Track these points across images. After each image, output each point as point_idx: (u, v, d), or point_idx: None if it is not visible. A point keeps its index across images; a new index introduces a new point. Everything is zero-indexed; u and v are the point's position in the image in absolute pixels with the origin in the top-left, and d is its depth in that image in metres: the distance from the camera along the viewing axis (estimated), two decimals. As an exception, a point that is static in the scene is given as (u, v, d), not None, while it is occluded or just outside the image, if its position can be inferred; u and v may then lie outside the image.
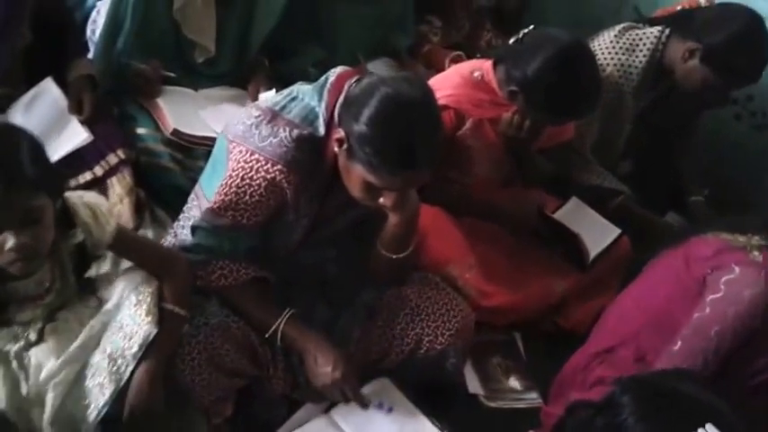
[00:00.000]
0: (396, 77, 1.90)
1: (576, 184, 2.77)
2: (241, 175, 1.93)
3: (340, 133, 1.86)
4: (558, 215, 2.59)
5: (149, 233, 2.51)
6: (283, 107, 1.97)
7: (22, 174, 1.59)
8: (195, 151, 2.64)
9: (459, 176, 2.59)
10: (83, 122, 2.48)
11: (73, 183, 2.43)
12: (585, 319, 2.46)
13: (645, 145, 3.06)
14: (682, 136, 3.09)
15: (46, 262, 1.81)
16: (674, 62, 2.82)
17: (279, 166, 1.91)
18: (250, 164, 1.93)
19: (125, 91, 2.74)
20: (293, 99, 1.98)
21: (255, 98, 2.82)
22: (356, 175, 1.87)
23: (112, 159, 2.47)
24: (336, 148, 1.88)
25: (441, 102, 2.35)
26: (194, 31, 2.74)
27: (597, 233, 2.58)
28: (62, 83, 2.55)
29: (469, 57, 3.49)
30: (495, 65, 2.46)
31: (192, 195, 2.18)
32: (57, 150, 2.42)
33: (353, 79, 1.93)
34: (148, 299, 1.88)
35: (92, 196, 1.92)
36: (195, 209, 2.10)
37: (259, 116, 1.95)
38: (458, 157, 2.52)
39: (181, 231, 2.12)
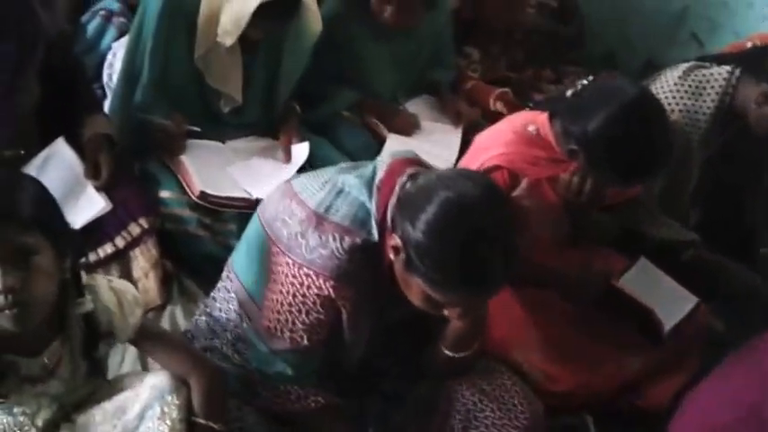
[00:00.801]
0: (456, 175, 1.64)
1: (644, 239, 2.50)
2: (292, 292, 1.70)
3: (395, 240, 1.60)
4: (625, 279, 2.34)
5: (178, 310, 2.28)
6: (329, 207, 1.71)
7: (15, 208, 1.46)
8: (225, 214, 2.39)
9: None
10: (100, 188, 2.24)
11: (93, 257, 2.20)
12: (665, 398, 2.20)
13: (713, 192, 2.80)
14: (753, 182, 2.82)
15: (55, 339, 1.60)
16: (746, 106, 2.57)
17: (332, 282, 1.66)
18: (300, 279, 1.69)
19: (146, 148, 2.52)
20: (339, 194, 1.73)
21: (289, 152, 2.61)
22: (416, 287, 1.62)
23: (135, 230, 2.24)
24: (392, 256, 1.63)
25: (492, 161, 2.14)
26: (219, 79, 2.50)
27: (671, 301, 2.32)
28: (76, 142, 2.31)
29: (516, 92, 3.27)
30: (551, 118, 2.20)
31: (225, 274, 1.96)
32: (72, 221, 2.17)
33: (406, 175, 1.67)
34: (174, 412, 1.64)
35: (120, 283, 1.72)
36: (229, 291, 1.90)
37: (303, 222, 1.71)
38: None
39: (214, 306, 1.93)
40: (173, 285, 2.33)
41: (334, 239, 1.65)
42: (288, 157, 2.58)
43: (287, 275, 1.70)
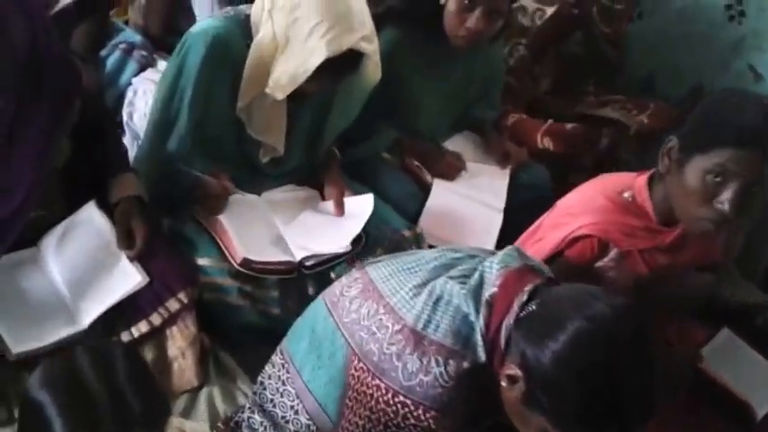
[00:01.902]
0: (587, 295, 1.41)
1: (723, 304, 2.29)
2: (384, 421, 1.49)
3: (513, 370, 1.39)
4: (707, 353, 2.12)
5: (216, 391, 2.07)
6: (428, 322, 1.49)
7: (129, 410, 1.22)
8: (266, 280, 2.18)
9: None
10: (134, 258, 2.02)
11: (125, 336, 1.97)
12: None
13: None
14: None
15: None
16: None
17: (433, 413, 1.45)
18: (394, 407, 1.47)
19: (177, 204, 2.30)
20: (437, 303, 1.50)
21: (341, 205, 2.39)
22: (536, 424, 1.40)
23: (173, 305, 2.02)
24: (504, 384, 1.41)
25: (582, 230, 1.94)
26: (261, 130, 2.28)
27: (761, 380, 2.11)
28: (103, 203, 2.10)
29: (559, 119, 3.07)
30: (650, 182, 1.98)
31: (278, 360, 1.78)
32: (105, 298, 1.98)
33: (526, 292, 1.45)
34: None
35: (193, 426, 1.46)
36: (285, 384, 1.72)
37: (400, 340, 1.48)
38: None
39: (266, 397, 1.75)
40: (209, 361, 2.11)
41: (438, 363, 1.44)
42: (340, 211, 2.36)
43: (377, 401, 1.48)
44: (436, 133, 2.90)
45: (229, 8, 2.30)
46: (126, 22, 3.20)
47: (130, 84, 2.80)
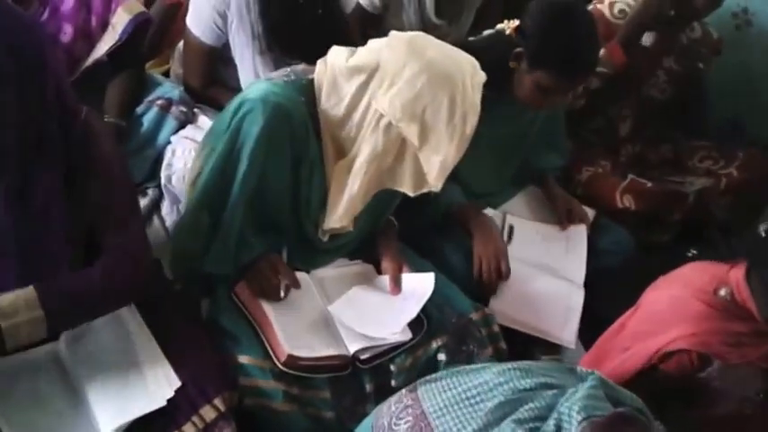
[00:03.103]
0: None
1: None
2: None
3: None
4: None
5: None
6: None
7: None
8: (316, 379, 1.90)
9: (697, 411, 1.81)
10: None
11: (155, 449, 1.70)
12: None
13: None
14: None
15: None
16: None
17: None
18: None
19: (221, 287, 2.04)
20: None
21: (397, 282, 2.13)
22: None
23: (209, 414, 1.75)
24: None
25: (678, 344, 1.68)
26: (336, 223, 2.07)
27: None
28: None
29: (640, 168, 2.79)
30: (748, 274, 1.66)
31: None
32: (129, 408, 1.72)
33: None
34: None
35: None
36: None
37: None
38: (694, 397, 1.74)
39: None
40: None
41: None
42: (397, 289, 2.10)
43: None
44: (494, 192, 2.61)
45: (288, 69, 2.06)
46: (166, 73, 2.98)
47: (169, 142, 2.55)
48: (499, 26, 2.37)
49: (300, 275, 2.09)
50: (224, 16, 2.50)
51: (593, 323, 2.21)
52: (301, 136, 1.99)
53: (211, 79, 2.70)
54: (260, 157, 1.96)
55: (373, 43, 1.98)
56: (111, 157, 1.76)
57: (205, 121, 2.60)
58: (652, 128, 3.07)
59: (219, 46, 2.59)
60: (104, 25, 2.46)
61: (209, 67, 2.66)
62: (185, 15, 2.99)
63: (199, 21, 2.55)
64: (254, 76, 2.60)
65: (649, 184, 2.72)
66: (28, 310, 1.61)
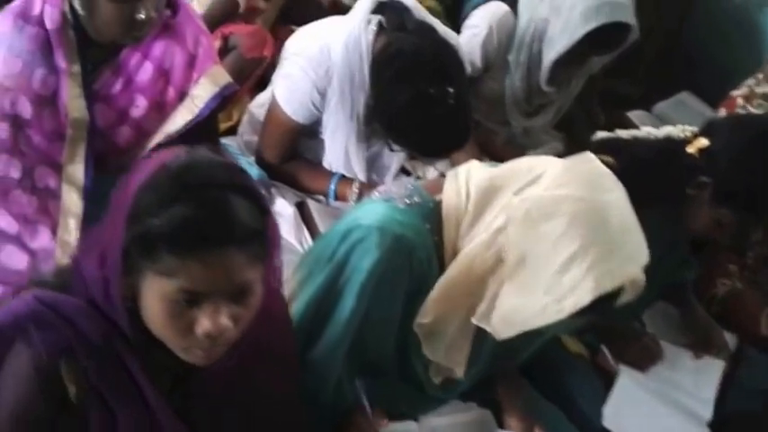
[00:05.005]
0: None
1: None
2: None
3: None
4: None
5: None
6: None
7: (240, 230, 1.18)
8: None
9: None
10: None
11: None
12: None
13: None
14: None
15: None
16: None
17: None
18: None
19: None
20: None
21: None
22: None
23: None
24: None
25: None
26: (439, 352, 1.70)
27: None
28: None
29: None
30: None
31: None
32: None
33: None
34: None
35: None
36: None
37: None
38: None
39: None
40: None
41: None
42: None
43: None
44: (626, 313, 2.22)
45: (410, 186, 1.69)
46: (227, 131, 2.61)
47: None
48: (675, 133, 1.98)
49: (408, 425, 1.73)
50: (323, 93, 2.16)
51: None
52: (422, 269, 1.64)
53: (291, 154, 2.35)
54: (370, 295, 1.61)
55: (531, 161, 1.61)
56: None
57: (284, 207, 2.29)
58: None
59: (309, 123, 2.23)
60: (182, 95, 2.10)
61: (293, 143, 2.33)
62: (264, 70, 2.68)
63: (292, 97, 2.20)
64: (344, 156, 2.28)
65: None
66: None
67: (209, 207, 1.16)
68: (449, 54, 2.03)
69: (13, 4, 1.93)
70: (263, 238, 1.23)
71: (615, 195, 1.49)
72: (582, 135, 2.90)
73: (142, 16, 1.85)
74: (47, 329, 1.21)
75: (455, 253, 1.63)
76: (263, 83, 2.77)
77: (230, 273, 1.17)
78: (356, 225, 1.60)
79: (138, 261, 1.18)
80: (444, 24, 3.09)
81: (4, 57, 1.89)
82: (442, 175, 2.36)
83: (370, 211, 1.62)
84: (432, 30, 2.09)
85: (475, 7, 2.86)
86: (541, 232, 1.47)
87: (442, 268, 1.65)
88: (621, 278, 1.43)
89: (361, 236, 1.59)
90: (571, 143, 2.89)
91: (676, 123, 3.08)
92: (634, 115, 3.21)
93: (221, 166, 1.23)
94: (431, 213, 1.64)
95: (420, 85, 1.96)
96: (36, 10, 1.91)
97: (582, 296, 1.40)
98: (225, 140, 2.42)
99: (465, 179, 1.65)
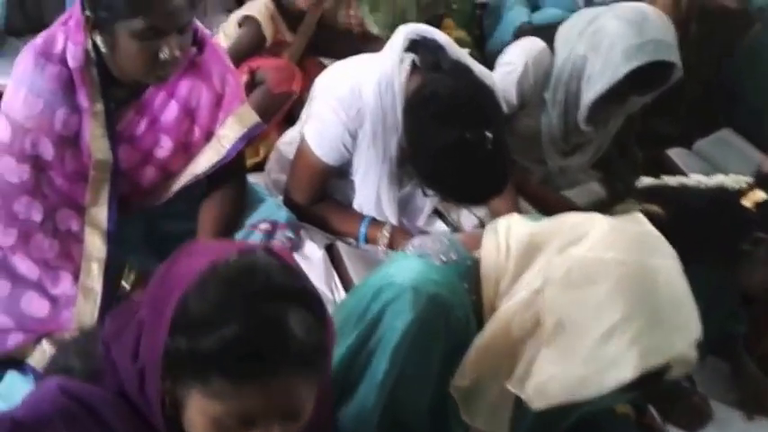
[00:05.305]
0: None
1: None
2: None
3: None
4: None
5: None
6: None
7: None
8: None
9: None
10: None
11: None
12: None
13: None
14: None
15: None
16: None
17: None
18: None
19: None
20: None
21: None
22: None
23: None
24: None
25: None
26: (479, 417, 1.58)
27: None
28: None
29: None
30: None
31: None
32: None
33: None
34: None
35: None
36: None
37: None
38: None
39: None
40: None
41: None
42: None
43: None
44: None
45: (446, 241, 1.60)
46: (254, 167, 2.55)
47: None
48: (728, 183, 1.88)
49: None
50: (355, 135, 2.07)
51: None
52: (460, 329, 1.54)
53: (320, 196, 2.27)
54: (404, 357, 1.52)
55: (576, 219, 1.51)
56: None
57: (313, 250, 2.20)
58: None
59: (340, 165, 2.15)
60: (208, 136, 2.03)
61: (322, 185, 2.25)
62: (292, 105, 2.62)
63: (322, 139, 2.11)
64: (375, 200, 2.20)
65: None
66: None
67: (266, 326, 1.06)
68: (486, 96, 1.95)
69: (35, 42, 1.86)
70: (324, 352, 1.14)
71: (665, 261, 1.39)
72: (620, 175, 2.81)
73: (166, 56, 1.77)
74: (73, 426, 1.12)
75: (494, 312, 1.54)
76: (291, 118, 2.71)
77: (289, 396, 1.08)
78: (389, 283, 1.52)
79: (182, 375, 1.07)
80: (473, 55, 3.04)
81: (25, 96, 1.82)
82: (481, 224, 2.31)
83: (404, 269, 1.53)
84: (468, 70, 2.00)
85: (504, 41, 2.80)
86: (582, 297, 1.37)
87: (480, 328, 1.56)
88: (668, 354, 1.33)
89: (394, 295, 1.50)
90: (609, 183, 2.79)
91: (718, 161, 3.02)
92: (674, 153, 3.10)
93: (278, 271, 1.12)
94: (468, 271, 1.55)
95: (456, 129, 1.87)
96: (58, 47, 1.84)
97: (624, 372, 1.30)
98: (252, 177, 2.33)
99: (505, 234, 1.56)
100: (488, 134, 1.87)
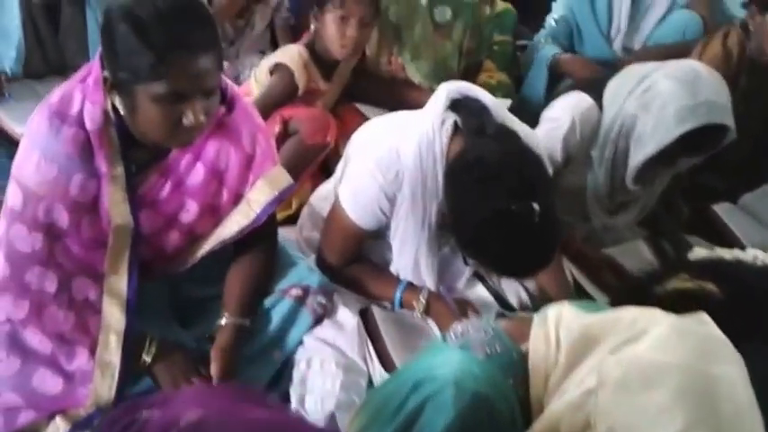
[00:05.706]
0: None
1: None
2: None
3: None
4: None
5: None
6: None
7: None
8: None
9: None
10: None
11: None
12: None
13: None
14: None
15: None
16: None
17: None
18: None
19: None
20: None
21: None
22: None
23: None
24: None
25: None
26: None
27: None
28: None
29: None
30: None
31: None
32: None
33: None
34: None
35: None
36: None
37: None
38: None
39: None
40: None
41: None
42: None
43: None
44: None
45: (491, 330, 1.50)
46: (286, 220, 2.47)
47: (301, 343, 1.99)
48: None
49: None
50: (393, 199, 1.95)
51: None
52: (505, 425, 1.43)
53: (354, 258, 2.15)
54: None
55: (635, 314, 1.39)
56: None
57: (346, 318, 2.06)
58: None
59: (376, 229, 2.04)
60: (237, 199, 1.91)
61: (357, 248, 2.13)
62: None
63: (357, 203, 2.00)
64: (413, 265, 2.07)
65: None
66: None
67: None
68: (533, 164, 1.82)
69: (50, 101, 1.74)
70: None
71: (730, 369, 1.27)
72: (667, 233, 2.70)
73: (190, 121, 1.66)
74: None
75: (543, 409, 1.41)
76: (326, 168, 2.60)
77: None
78: (430, 376, 1.41)
79: None
80: (510, 97, 2.93)
81: (38, 161, 1.70)
82: (525, 290, 2.18)
83: (446, 362, 1.42)
84: (514, 135, 1.87)
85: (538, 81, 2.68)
86: (638, 403, 1.26)
87: (528, 425, 1.43)
88: None
89: (435, 390, 1.40)
90: (656, 243, 2.66)
91: (764, 216, 2.90)
92: (720, 209, 2.99)
93: None
94: (514, 365, 1.45)
95: (501, 199, 1.74)
96: (75, 108, 1.71)
97: None
98: (283, 231, 2.21)
99: (555, 325, 1.44)
100: (535, 206, 1.74)
